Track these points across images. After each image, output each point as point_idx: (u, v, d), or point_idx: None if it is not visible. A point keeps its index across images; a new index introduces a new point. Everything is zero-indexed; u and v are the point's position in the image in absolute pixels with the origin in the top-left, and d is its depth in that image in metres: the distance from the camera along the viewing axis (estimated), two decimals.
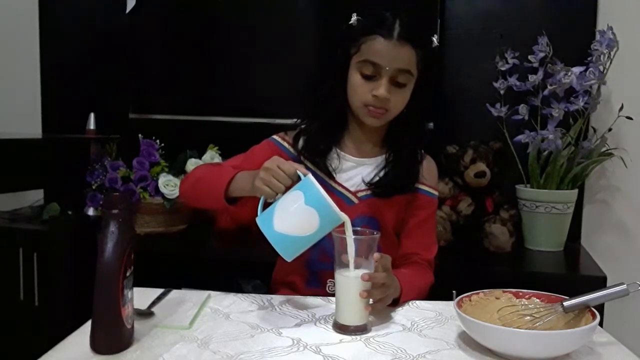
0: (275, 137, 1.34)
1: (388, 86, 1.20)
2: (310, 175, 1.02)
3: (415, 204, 1.32)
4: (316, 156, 1.28)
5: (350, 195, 1.29)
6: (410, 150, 1.31)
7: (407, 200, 1.31)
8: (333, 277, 1.05)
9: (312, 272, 1.29)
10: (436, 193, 1.36)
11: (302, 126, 1.32)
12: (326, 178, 1.28)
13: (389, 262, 1.07)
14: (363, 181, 1.29)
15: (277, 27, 2.16)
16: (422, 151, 1.35)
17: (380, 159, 1.31)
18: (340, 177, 1.29)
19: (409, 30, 1.20)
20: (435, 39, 1.29)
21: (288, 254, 1.01)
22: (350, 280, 1.01)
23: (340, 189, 1.28)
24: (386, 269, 1.05)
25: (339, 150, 1.30)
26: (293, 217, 0.99)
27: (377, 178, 1.28)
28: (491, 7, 2.03)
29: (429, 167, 1.35)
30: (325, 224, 0.99)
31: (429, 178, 1.34)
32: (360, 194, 1.29)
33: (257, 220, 1.01)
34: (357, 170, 1.30)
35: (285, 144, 1.32)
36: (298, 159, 1.28)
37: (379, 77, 1.20)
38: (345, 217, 1.00)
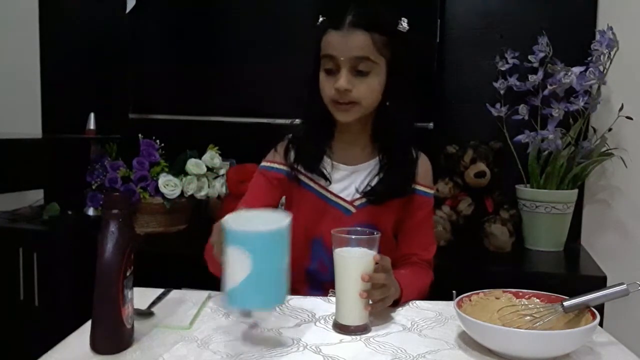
0: (263, 163, 1.32)
1: (348, 77, 1.17)
2: (225, 219, 0.88)
3: (411, 205, 1.30)
4: (309, 163, 1.27)
5: (347, 205, 1.27)
6: (402, 151, 1.28)
7: (404, 202, 1.29)
8: (334, 287, 1.04)
9: (312, 282, 1.29)
10: (432, 192, 1.34)
11: (289, 136, 1.31)
12: (322, 190, 1.27)
13: (388, 263, 1.06)
14: (357, 190, 1.26)
15: (277, 27, 2.16)
16: (416, 149, 1.32)
17: (373, 163, 1.29)
18: (335, 188, 1.27)
19: (359, 17, 1.17)
20: (404, 22, 1.23)
21: (272, 301, 0.91)
22: (349, 260, 1.01)
23: (336, 199, 1.27)
24: (386, 270, 1.05)
25: (330, 160, 1.28)
26: (235, 270, 0.86)
27: (369, 187, 1.26)
28: (491, 7, 2.03)
29: (423, 166, 1.32)
30: (265, 248, 0.86)
31: (425, 177, 1.32)
32: (356, 203, 1.27)
33: (225, 303, 0.89)
34: (351, 179, 1.28)
35: (275, 165, 1.30)
36: (291, 174, 1.27)
37: (339, 69, 1.18)
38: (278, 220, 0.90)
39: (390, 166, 1.26)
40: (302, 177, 1.28)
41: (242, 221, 0.88)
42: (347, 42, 1.17)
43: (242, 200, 1.32)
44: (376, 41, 1.18)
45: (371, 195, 1.26)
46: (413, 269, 1.28)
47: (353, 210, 1.27)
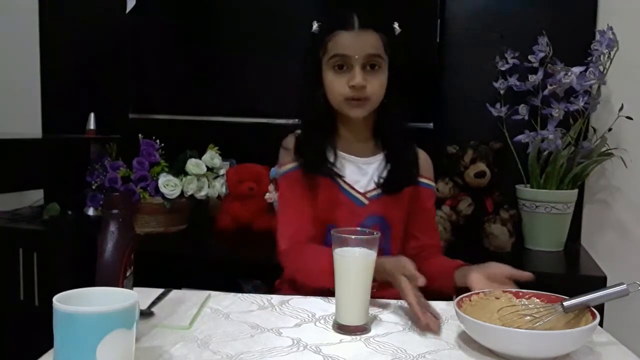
0: (282, 169, 1.34)
1: (362, 74, 1.24)
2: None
3: (418, 197, 1.36)
4: (317, 166, 1.29)
5: (360, 197, 1.31)
6: (404, 145, 1.35)
7: (411, 194, 1.35)
8: None
9: None
10: (434, 184, 1.41)
11: (297, 132, 1.35)
12: (337, 178, 1.30)
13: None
14: (374, 182, 1.31)
15: (277, 27, 2.16)
16: (413, 145, 1.38)
17: (379, 157, 1.34)
18: (349, 180, 1.31)
19: (368, 17, 1.26)
20: (396, 25, 1.32)
21: None
22: (349, 260, 1.01)
23: (350, 190, 1.31)
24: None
25: (342, 153, 1.32)
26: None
27: (382, 179, 1.31)
28: (491, 7, 2.03)
29: (423, 160, 1.39)
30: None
31: (427, 170, 1.38)
32: (369, 194, 1.32)
33: None
34: (362, 171, 1.33)
35: (292, 165, 1.31)
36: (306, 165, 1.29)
37: (351, 67, 1.24)
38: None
39: (396, 158, 1.33)
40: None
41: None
42: (361, 41, 1.24)
43: (287, 214, 1.32)
44: (383, 39, 1.27)
45: (387, 185, 1.30)
46: (440, 261, 1.33)
47: (366, 202, 1.31)
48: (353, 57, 1.23)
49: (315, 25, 1.32)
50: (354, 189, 1.31)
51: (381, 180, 1.31)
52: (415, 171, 1.35)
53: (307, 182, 1.31)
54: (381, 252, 1.30)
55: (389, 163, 1.32)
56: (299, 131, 1.35)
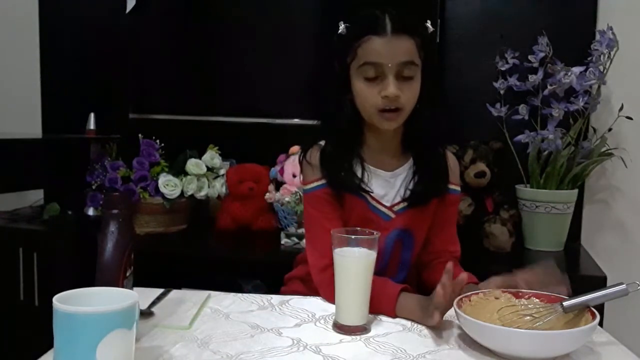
0: (309, 186, 1.25)
1: (396, 83, 1.14)
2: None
3: (443, 203, 1.30)
4: (346, 183, 1.22)
5: (386, 211, 1.26)
6: (435, 153, 1.27)
7: (438, 201, 1.29)
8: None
9: None
10: (459, 188, 1.34)
11: (320, 144, 1.27)
12: (365, 195, 1.24)
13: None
14: (401, 197, 1.25)
15: (277, 27, 2.16)
16: (445, 152, 1.31)
17: (407, 167, 1.27)
18: (376, 195, 1.25)
19: (401, 21, 1.16)
20: (429, 24, 1.23)
21: None
22: (349, 260, 1.01)
23: (377, 205, 1.25)
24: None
25: (369, 166, 1.25)
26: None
27: (409, 191, 1.25)
28: (491, 7, 2.03)
29: (451, 164, 1.31)
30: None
31: (453, 175, 1.31)
32: (395, 208, 1.26)
33: None
34: (390, 185, 1.26)
35: (320, 182, 1.23)
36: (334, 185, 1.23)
37: (384, 76, 1.15)
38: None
39: (425, 168, 1.26)
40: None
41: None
42: (394, 48, 1.14)
43: (312, 232, 1.25)
44: (417, 44, 1.17)
45: (414, 199, 1.24)
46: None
47: (392, 215, 1.26)
48: (386, 66, 1.14)
49: (342, 27, 1.21)
50: (381, 203, 1.25)
51: (408, 193, 1.24)
52: (444, 181, 1.27)
53: (334, 199, 1.23)
54: (401, 262, 1.29)
55: (417, 174, 1.25)
56: (322, 143, 1.26)
